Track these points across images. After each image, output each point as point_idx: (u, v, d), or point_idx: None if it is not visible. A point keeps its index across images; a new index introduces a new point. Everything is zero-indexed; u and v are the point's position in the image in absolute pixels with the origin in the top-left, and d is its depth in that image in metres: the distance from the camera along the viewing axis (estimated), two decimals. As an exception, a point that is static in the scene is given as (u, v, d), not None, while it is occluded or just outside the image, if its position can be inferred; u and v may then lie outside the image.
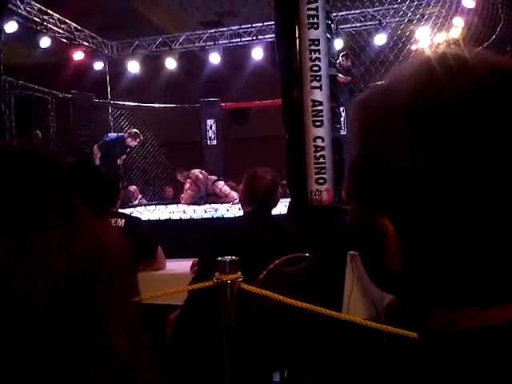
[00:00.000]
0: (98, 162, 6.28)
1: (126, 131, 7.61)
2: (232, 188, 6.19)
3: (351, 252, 2.75)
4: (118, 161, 6.78)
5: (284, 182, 3.45)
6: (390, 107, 0.45)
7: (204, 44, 7.69)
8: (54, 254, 0.41)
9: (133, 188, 7.12)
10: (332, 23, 3.40)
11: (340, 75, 4.91)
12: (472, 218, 0.42)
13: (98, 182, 1.94)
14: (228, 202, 5.79)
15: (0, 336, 0.38)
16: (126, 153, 7.07)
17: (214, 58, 7.63)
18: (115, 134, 7.09)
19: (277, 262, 2.13)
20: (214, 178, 6.41)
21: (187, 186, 6.51)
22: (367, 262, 0.51)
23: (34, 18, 6.68)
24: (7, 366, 0.38)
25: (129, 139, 6.77)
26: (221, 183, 6.24)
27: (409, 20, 5.63)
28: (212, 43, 7.60)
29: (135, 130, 6.96)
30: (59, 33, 7.20)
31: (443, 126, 0.42)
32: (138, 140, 6.87)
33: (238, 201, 5.18)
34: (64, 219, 0.43)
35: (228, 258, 1.72)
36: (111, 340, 0.43)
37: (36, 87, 6.30)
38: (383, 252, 0.46)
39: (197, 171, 6.46)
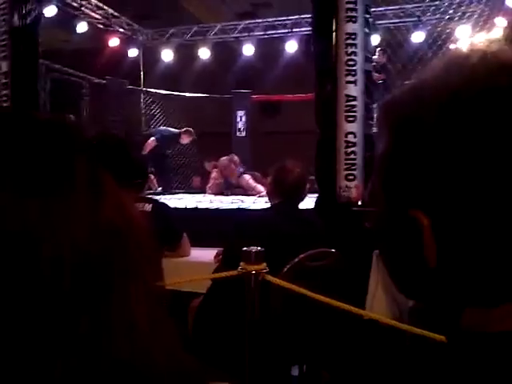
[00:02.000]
0: (146, 151, 6.24)
1: (158, 119, 7.69)
2: (258, 180, 6.18)
3: (377, 251, 2.70)
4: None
5: (312, 177, 3.42)
6: (425, 102, 0.44)
7: (238, 35, 7.67)
8: (78, 221, 0.40)
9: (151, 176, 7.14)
10: (370, 17, 3.33)
11: (375, 74, 4.83)
12: None
13: (126, 162, 1.95)
14: (254, 195, 5.79)
15: (27, 304, 0.38)
16: (174, 148, 7.07)
17: (248, 50, 7.61)
18: (172, 130, 7.03)
19: (302, 256, 2.11)
20: (241, 170, 6.40)
21: (213, 174, 6.53)
22: (396, 264, 0.49)
23: (73, 3, 6.77)
24: (32, 333, 0.38)
25: (184, 136, 6.72)
26: (247, 176, 6.22)
27: (449, 18, 5.49)
28: (246, 34, 7.57)
29: (190, 128, 6.86)
30: (96, 18, 7.29)
31: (483, 119, 0.41)
32: (191, 138, 6.78)
33: (264, 194, 5.22)
34: (89, 186, 0.42)
35: (254, 248, 1.71)
36: (133, 313, 0.42)
37: (72, 71, 6.40)
38: (419, 248, 0.44)
39: (225, 159, 6.43)
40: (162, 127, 7.25)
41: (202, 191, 6.66)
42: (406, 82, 0.49)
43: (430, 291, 0.47)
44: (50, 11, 6.04)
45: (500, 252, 0.42)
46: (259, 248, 1.73)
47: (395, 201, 0.46)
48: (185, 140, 6.79)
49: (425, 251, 0.44)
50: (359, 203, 3.02)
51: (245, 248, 1.73)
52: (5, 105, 3.84)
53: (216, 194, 6.24)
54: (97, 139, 1.87)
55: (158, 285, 0.47)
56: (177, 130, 7.00)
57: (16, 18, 3.76)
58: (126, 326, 0.41)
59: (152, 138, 6.51)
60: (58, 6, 6.28)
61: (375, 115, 4.45)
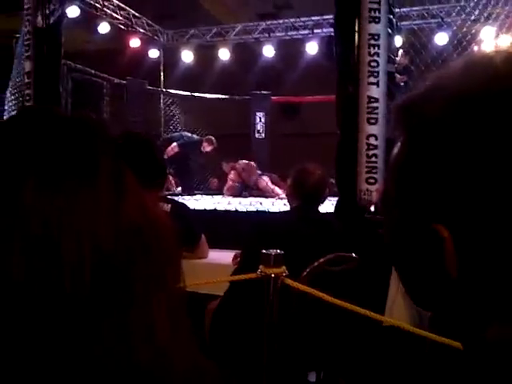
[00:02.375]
0: (167, 156, 6.23)
1: (177, 120, 7.72)
2: (275, 182, 6.17)
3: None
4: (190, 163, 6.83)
5: (332, 180, 3.37)
6: (446, 102, 0.41)
7: (259, 36, 7.65)
8: (100, 220, 0.39)
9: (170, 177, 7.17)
10: (394, 18, 3.28)
11: (397, 75, 4.76)
12: None
13: (150, 161, 1.95)
14: (273, 197, 5.77)
15: (47, 307, 0.36)
16: (197, 156, 7.13)
17: (268, 51, 7.58)
18: (194, 137, 7.07)
19: (321, 260, 2.07)
20: (260, 172, 6.39)
21: (231, 176, 6.54)
22: (412, 276, 0.46)
23: (95, 4, 6.84)
24: (53, 336, 0.36)
25: (205, 144, 6.74)
26: (266, 178, 6.21)
27: (474, 19, 5.39)
28: (267, 35, 7.55)
29: (212, 137, 6.88)
30: (118, 19, 7.34)
31: (508, 122, 0.38)
32: (212, 147, 6.78)
33: (282, 196, 5.20)
34: (111, 185, 0.41)
35: (273, 251, 1.68)
36: (154, 318, 0.40)
37: (93, 72, 6.46)
38: (440, 260, 0.41)
39: (244, 162, 6.45)
40: (184, 132, 7.26)
41: (220, 192, 6.66)
42: (425, 83, 0.46)
43: (450, 304, 0.44)
44: (73, 12, 6.10)
45: None
46: (278, 251, 1.70)
47: (410, 208, 0.43)
48: (206, 148, 6.79)
49: (446, 264, 0.41)
50: (372, 209, 2.96)
51: (264, 251, 1.71)
52: (27, 104, 3.89)
53: (233, 195, 6.24)
54: (122, 138, 1.87)
55: (179, 287, 0.45)
56: (198, 137, 7.01)
57: (39, 18, 3.80)
58: (146, 330, 0.40)
59: (174, 144, 6.54)
60: (80, 7, 6.35)
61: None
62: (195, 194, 6.38)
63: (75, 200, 0.38)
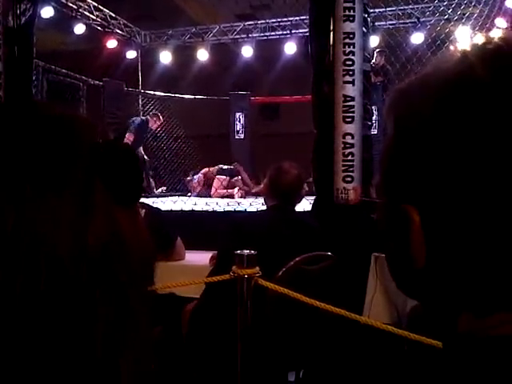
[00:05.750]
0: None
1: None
2: (245, 182, 6.29)
3: (375, 254, 2.66)
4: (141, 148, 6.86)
5: (310, 179, 3.37)
6: (424, 95, 0.43)
7: (237, 36, 7.64)
8: (61, 232, 0.36)
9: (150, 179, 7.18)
10: (369, 17, 3.30)
11: (373, 76, 4.80)
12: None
13: (134, 168, 1.90)
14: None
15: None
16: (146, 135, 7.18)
17: (247, 51, 7.57)
18: (139, 118, 7.08)
19: (297, 259, 2.06)
20: (218, 166, 6.52)
21: (199, 179, 6.72)
22: (391, 259, 0.48)
23: (70, 5, 6.74)
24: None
25: (151, 121, 6.86)
26: (222, 177, 6.30)
27: (448, 19, 5.46)
28: (245, 36, 7.54)
29: (156, 112, 7.03)
30: (94, 20, 7.25)
31: (482, 114, 0.39)
32: (159, 122, 6.94)
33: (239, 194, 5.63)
34: (78, 198, 0.37)
35: (246, 251, 1.66)
36: (118, 346, 0.37)
37: (68, 73, 6.36)
38: (407, 243, 0.42)
39: (203, 173, 6.59)
40: (132, 120, 7.22)
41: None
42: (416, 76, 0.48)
43: (421, 291, 0.45)
44: (47, 12, 6.01)
45: (491, 259, 0.39)
46: (252, 251, 1.68)
47: (392, 194, 0.45)
48: (153, 125, 6.91)
49: (411, 249, 0.42)
50: (357, 203, 2.97)
51: (237, 251, 1.69)
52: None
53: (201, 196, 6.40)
54: (104, 147, 1.82)
55: (148, 314, 0.42)
56: (144, 117, 7.08)
57: (10, 18, 3.72)
58: (106, 377, 0.37)
59: (127, 134, 6.53)
60: (54, 7, 6.25)
61: (373, 117, 4.41)
62: (168, 196, 6.38)
63: (36, 206, 0.36)
